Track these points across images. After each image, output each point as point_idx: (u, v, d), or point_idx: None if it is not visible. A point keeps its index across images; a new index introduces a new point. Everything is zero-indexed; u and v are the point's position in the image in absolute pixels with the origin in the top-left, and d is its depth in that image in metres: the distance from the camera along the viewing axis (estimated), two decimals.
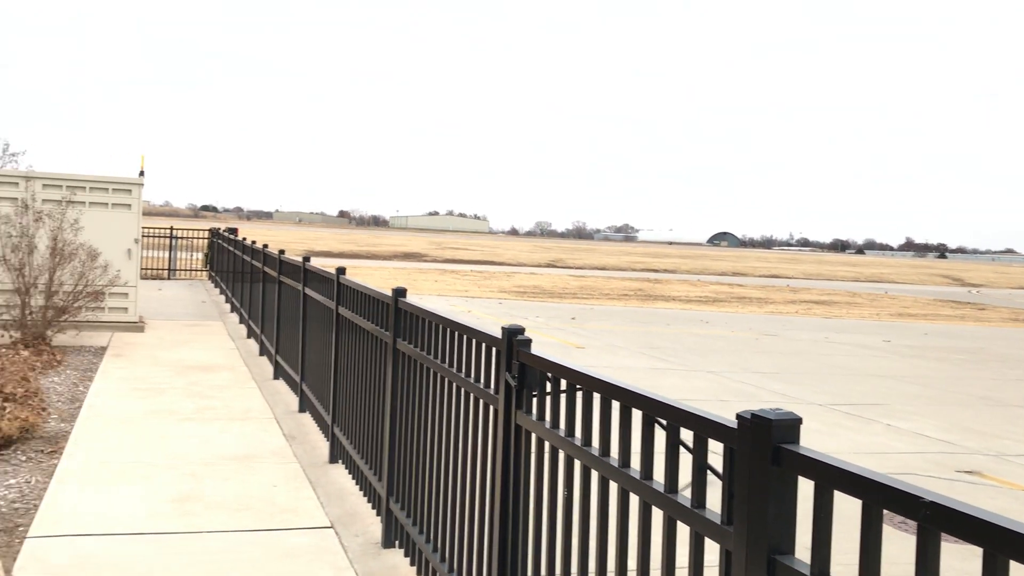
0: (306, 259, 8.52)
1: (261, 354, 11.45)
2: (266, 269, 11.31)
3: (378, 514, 5.33)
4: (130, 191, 12.88)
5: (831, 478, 1.74)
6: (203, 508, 5.48)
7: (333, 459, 6.69)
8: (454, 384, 4.11)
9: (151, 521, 5.18)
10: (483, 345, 3.75)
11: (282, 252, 10.26)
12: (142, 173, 13.62)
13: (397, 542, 4.95)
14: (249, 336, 12.97)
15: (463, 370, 3.99)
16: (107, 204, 12.74)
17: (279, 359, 9.87)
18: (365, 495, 5.72)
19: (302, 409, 8.32)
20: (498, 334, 3.50)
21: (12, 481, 5.77)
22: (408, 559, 4.72)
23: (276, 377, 9.95)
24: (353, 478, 6.11)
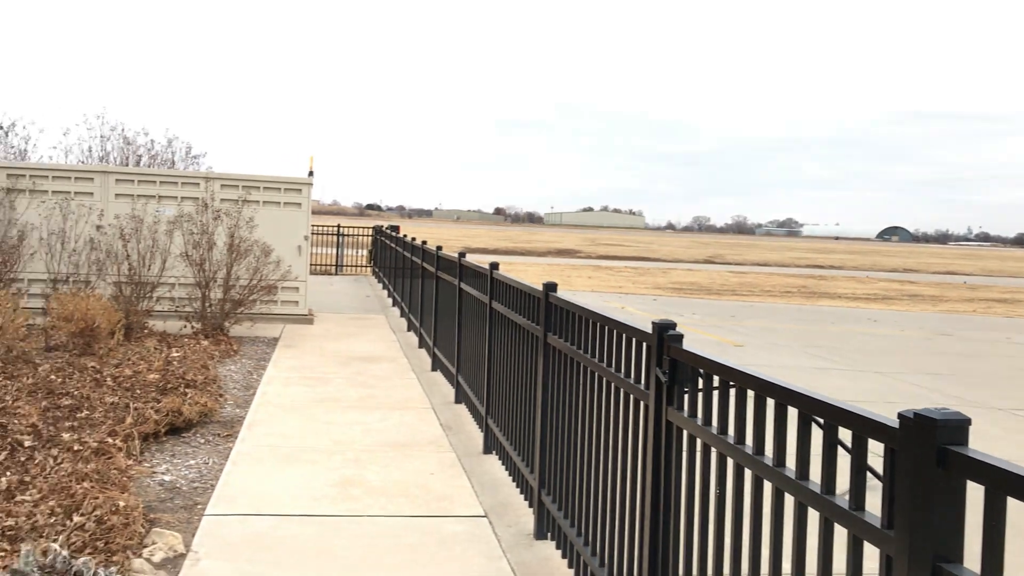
0: (461, 255, 8.71)
1: (420, 346, 11.80)
2: (424, 265, 11.64)
3: (530, 505, 5.39)
4: (300, 190, 13.55)
5: (1005, 484, 1.63)
6: (364, 493, 5.70)
7: (487, 450, 6.81)
8: (604, 379, 4.10)
9: (317, 504, 5.44)
10: (633, 340, 3.72)
11: (439, 248, 10.53)
12: (311, 173, 14.31)
13: (549, 534, 4.99)
14: (409, 329, 13.39)
15: (613, 365, 3.97)
16: (279, 203, 13.45)
17: (436, 351, 10.14)
18: (518, 486, 5.80)
19: (458, 400, 8.52)
20: (648, 329, 3.47)
21: (192, 462, 6.20)
22: (559, 551, 4.75)
23: (434, 369, 10.23)
24: (506, 469, 6.20)
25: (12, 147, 15.71)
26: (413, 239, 13.98)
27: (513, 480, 5.96)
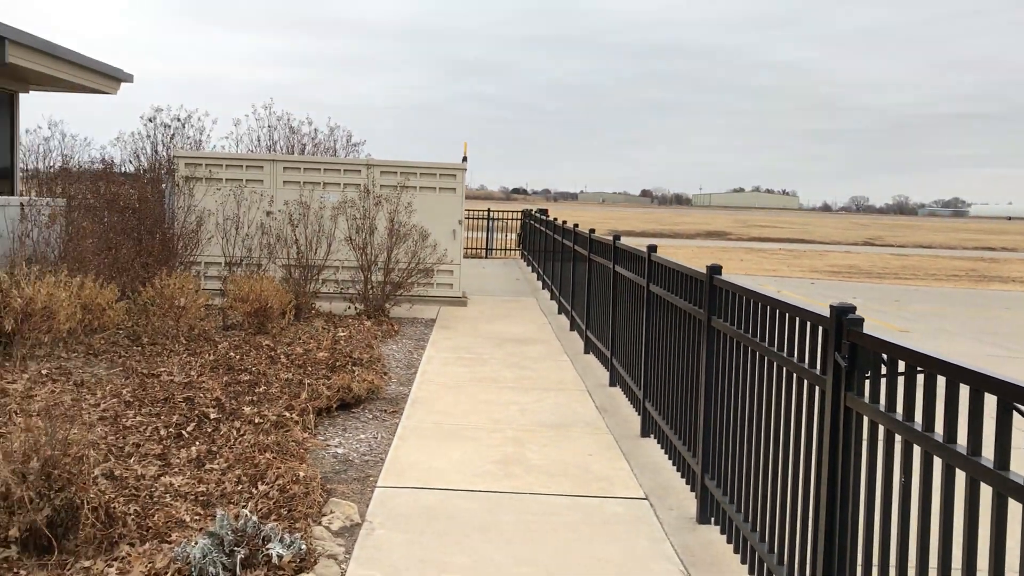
0: (616, 238, 8.69)
1: (572, 329, 11.87)
2: (576, 248, 11.69)
3: (692, 489, 5.35)
4: (454, 176, 13.86)
5: None
6: (524, 471, 5.82)
7: (644, 432, 6.81)
8: (774, 363, 4.02)
9: (480, 480, 5.59)
10: (808, 324, 3.63)
11: (592, 231, 10.54)
12: (465, 159, 14.60)
13: (712, 519, 4.95)
14: (560, 312, 13.49)
15: (784, 349, 3.89)
16: (435, 188, 13.81)
17: (589, 334, 10.18)
18: (678, 469, 5.77)
19: (612, 383, 8.53)
20: (824, 312, 3.38)
21: (362, 436, 6.49)
22: (724, 536, 4.71)
23: (587, 351, 10.28)
24: (665, 452, 6.18)
25: (188, 137, 16.75)
26: (564, 222, 14.05)
27: (673, 463, 5.93)
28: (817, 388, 3.49)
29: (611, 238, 8.82)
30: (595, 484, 5.63)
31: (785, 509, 3.82)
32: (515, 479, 5.66)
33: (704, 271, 5.14)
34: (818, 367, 3.51)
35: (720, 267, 5.06)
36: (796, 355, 3.75)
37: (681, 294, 5.76)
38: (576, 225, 12.35)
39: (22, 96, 15.62)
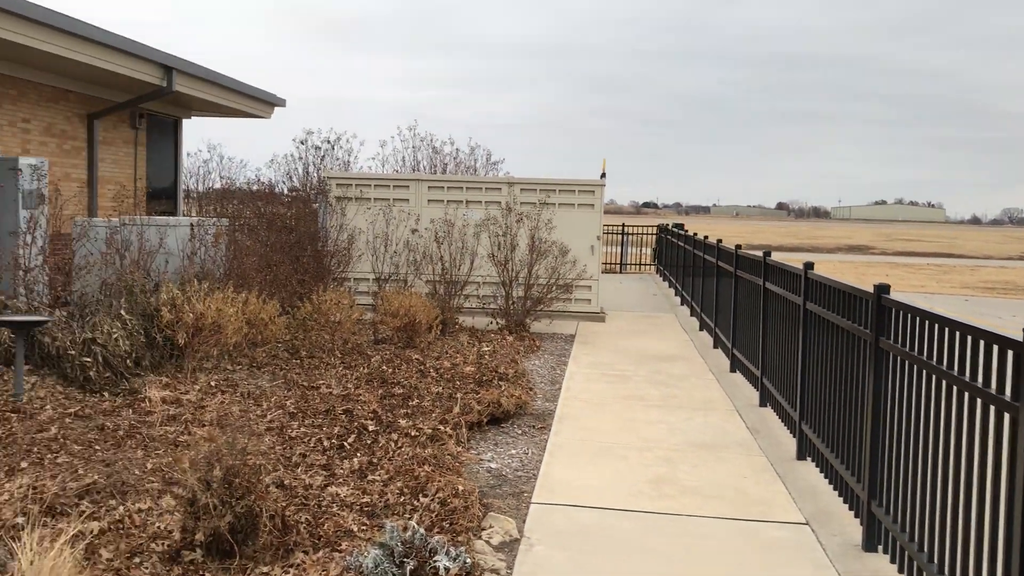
0: (767, 254, 8.51)
1: (715, 346, 11.67)
2: (720, 263, 11.50)
3: (856, 515, 5.17)
4: (593, 192, 13.89)
5: None
6: (678, 492, 5.76)
7: (800, 455, 6.62)
8: (954, 387, 3.85)
9: (633, 499, 5.57)
10: (994, 347, 3.46)
11: (738, 247, 10.36)
12: (603, 175, 14.62)
13: (880, 547, 4.76)
14: (701, 328, 13.28)
15: (967, 373, 3.72)
16: (573, 204, 13.87)
17: (735, 352, 9.98)
18: (840, 494, 5.58)
19: (762, 403, 8.34)
20: (1015, 336, 3.22)
21: (513, 451, 6.58)
22: (895, 565, 4.52)
23: (732, 370, 10.08)
24: (824, 476, 5.99)
25: (337, 159, 17.44)
26: (706, 237, 13.86)
27: (833, 487, 5.74)
28: (1007, 415, 3.32)
29: (761, 254, 8.64)
30: (752, 507, 5.51)
31: (968, 543, 3.64)
32: (669, 500, 5.60)
33: (871, 290, 4.98)
34: (1008, 393, 3.34)
35: (888, 286, 4.89)
36: (981, 379, 3.58)
37: (843, 313, 5.59)
38: (720, 240, 12.16)
39: (184, 121, 16.67)
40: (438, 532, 4.67)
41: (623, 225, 26.54)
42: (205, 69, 14.03)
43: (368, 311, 11.07)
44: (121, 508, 4.76)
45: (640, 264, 26.22)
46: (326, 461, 5.85)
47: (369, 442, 6.33)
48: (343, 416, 6.89)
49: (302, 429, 6.55)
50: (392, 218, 12.92)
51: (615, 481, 5.92)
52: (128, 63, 12.09)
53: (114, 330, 7.58)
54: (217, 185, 17.41)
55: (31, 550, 3.61)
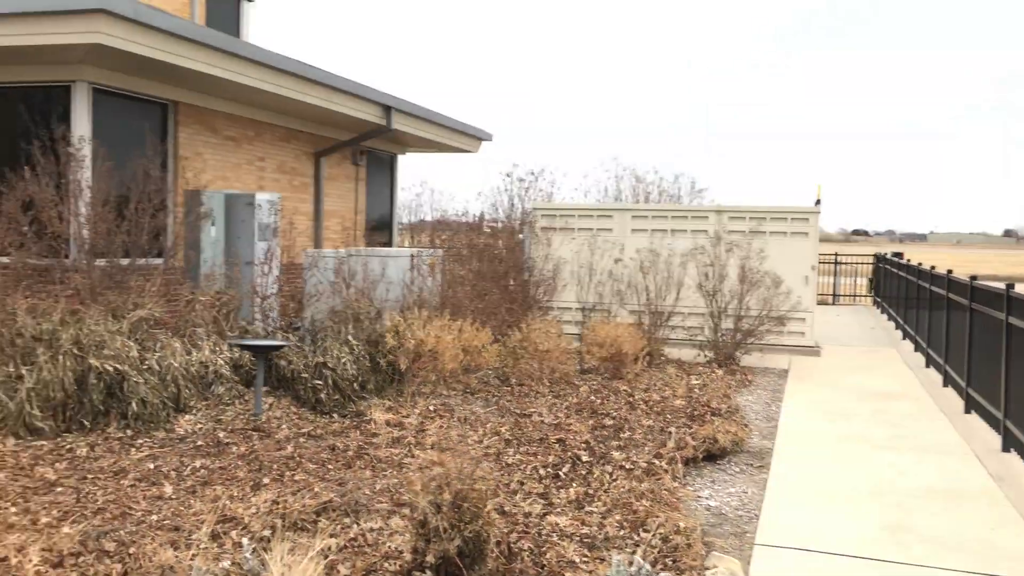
0: (1010, 286, 7.84)
1: (945, 385, 10.84)
2: (951, 295, 10.71)
3: None
4: (807, 219, 13.34)
5: None
6: (915, 540, 5.36)
7: None
8: None
9: (865, 546, 5.22)
10: None
11: (974, 278, 9.60)
12: (818, 202, 14.02)
13: None
14: (928, 365, 12.39)
15: None
16: (785, 232, 13.37)
17: (971, 391, 9.22)
18: None
19: (1006, 448, 7.63)
20: None
21: (732, 490, 6.36)
22: None
23: (967, 411, 9.31)
24: None
25: (541, 190, 17.75)
26: (933, 267, 12.97)
27: None
28: None
29: (1004, 286, 7.97)
30: (1004, 563, 5.03)
31: None
32: (906, 549, 5.22)
33: None
34: None
35: None
36: None
37: None
38: (950, 271, 11.33)
39: (399, 157, 17.54)
40: (662, 569, 4.57)
41: (835, 254, 25.33)
42: (420, 107, 14.71)
43: (573, 340, 11.12)
44: (355, 527, 4.99)
45: (855, 295, 24.90)
46: (543, 489, 5.89)
47: (584, 472, 6.32)
48: (556, 445, 6.92)
49: (517, 456, 6.63)
50: (596, 248, 12.95)
51: (843, 526, 5.59)
52: (352, 103, 12.87)
53: (342, 355, 8.02)
54: (428, 217, 18.14)
55: (281, 561, 3.84)
